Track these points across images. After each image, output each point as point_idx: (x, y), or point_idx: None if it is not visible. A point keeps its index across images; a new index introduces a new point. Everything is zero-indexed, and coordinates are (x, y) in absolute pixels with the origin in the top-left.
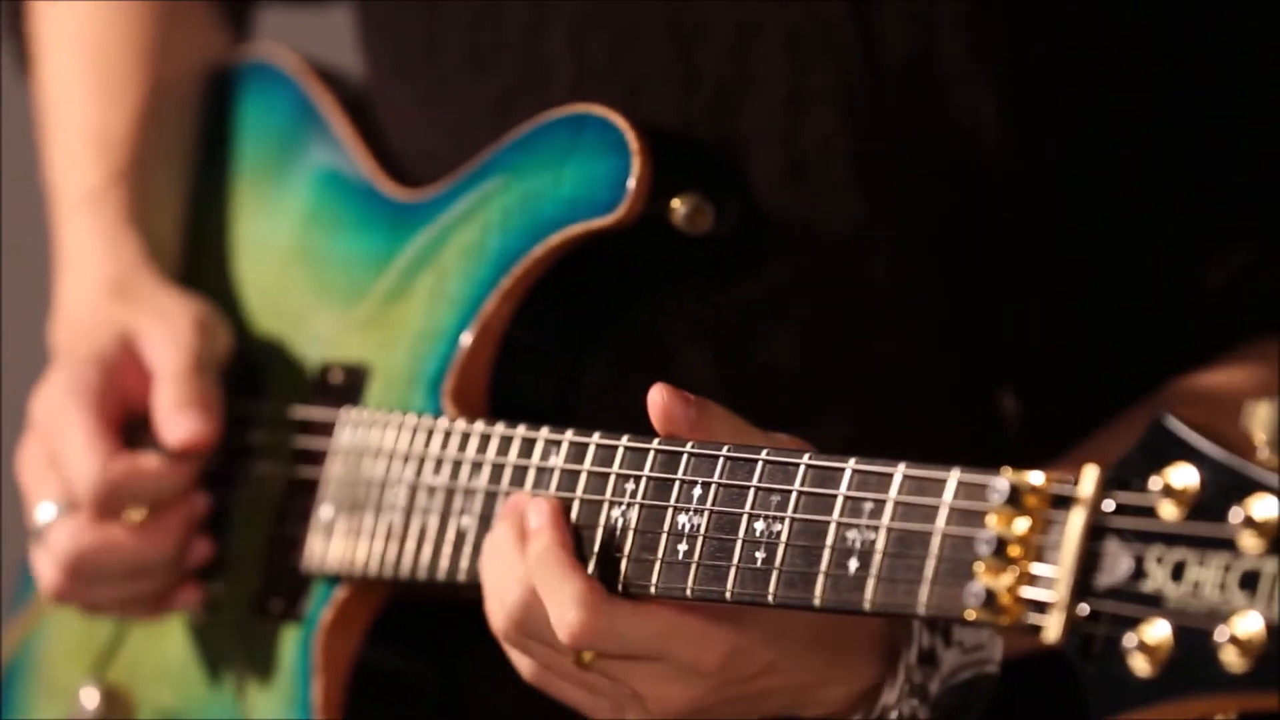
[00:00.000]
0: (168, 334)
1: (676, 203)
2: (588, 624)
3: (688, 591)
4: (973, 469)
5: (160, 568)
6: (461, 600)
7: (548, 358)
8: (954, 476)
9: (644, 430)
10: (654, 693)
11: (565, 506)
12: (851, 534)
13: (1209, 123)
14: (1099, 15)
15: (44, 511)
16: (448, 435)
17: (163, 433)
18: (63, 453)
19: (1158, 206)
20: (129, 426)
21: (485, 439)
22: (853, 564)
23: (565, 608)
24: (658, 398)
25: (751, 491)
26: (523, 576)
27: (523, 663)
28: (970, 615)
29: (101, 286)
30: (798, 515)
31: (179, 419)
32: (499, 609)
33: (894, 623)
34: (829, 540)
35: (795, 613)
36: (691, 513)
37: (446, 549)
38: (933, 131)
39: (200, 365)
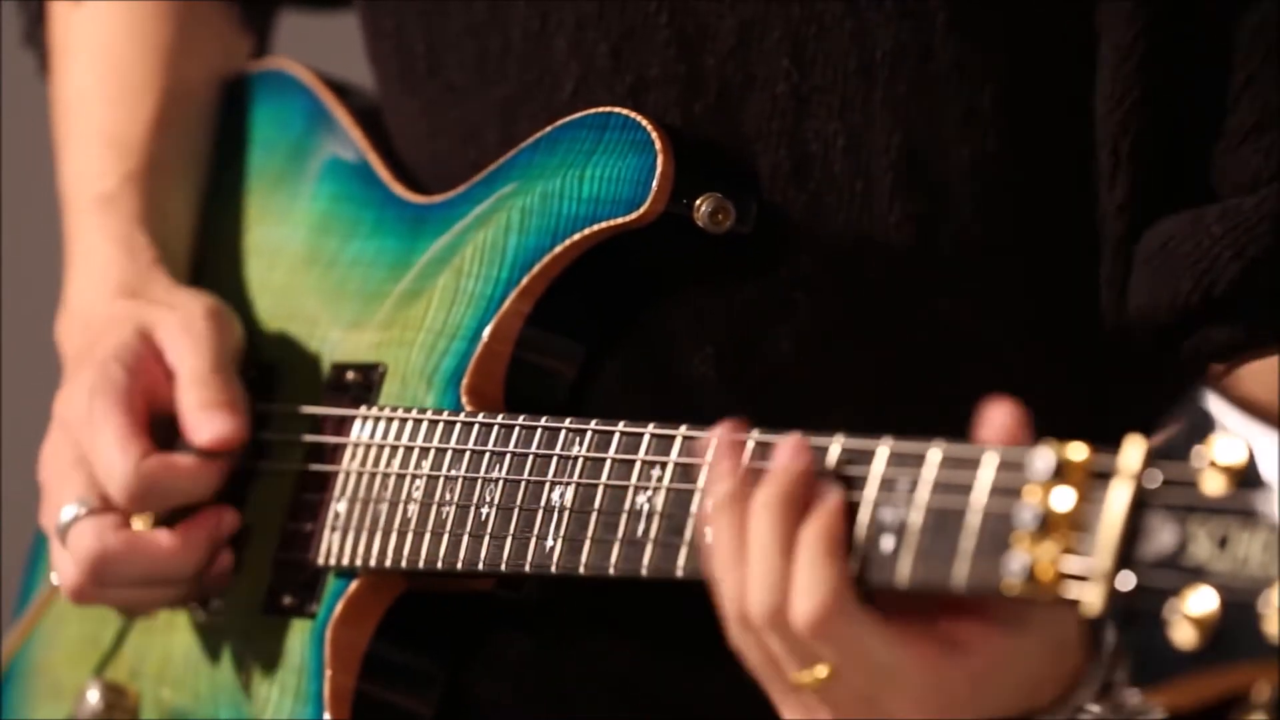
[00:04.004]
0: (182, 326)
1: (699, 201)
2: (828, 619)
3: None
4: (1012, 445)
5: (180, 579)
6: (471, 593)
7: (563, 355)
8: (993, 451)
9: None
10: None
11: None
12: (886, 511)
13: (1215, 114)
14: (1095, 11)
15: (67, 513)
16: (467, 428)
17: (191, 434)
18: (95, 452)
19: (1162, 201)
20: (154, 425)
21: (506, 430)
22: (888, 542)
23: (810, 591)
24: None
25: None
26: (777, 563)
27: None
28: (1010, 588)
29: (113, 288)
30: None
31: (206, 420)
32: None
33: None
34: (863, 519)
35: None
36: None
37: (466, 539)
38: (930, 129)
39: (219, 361)
